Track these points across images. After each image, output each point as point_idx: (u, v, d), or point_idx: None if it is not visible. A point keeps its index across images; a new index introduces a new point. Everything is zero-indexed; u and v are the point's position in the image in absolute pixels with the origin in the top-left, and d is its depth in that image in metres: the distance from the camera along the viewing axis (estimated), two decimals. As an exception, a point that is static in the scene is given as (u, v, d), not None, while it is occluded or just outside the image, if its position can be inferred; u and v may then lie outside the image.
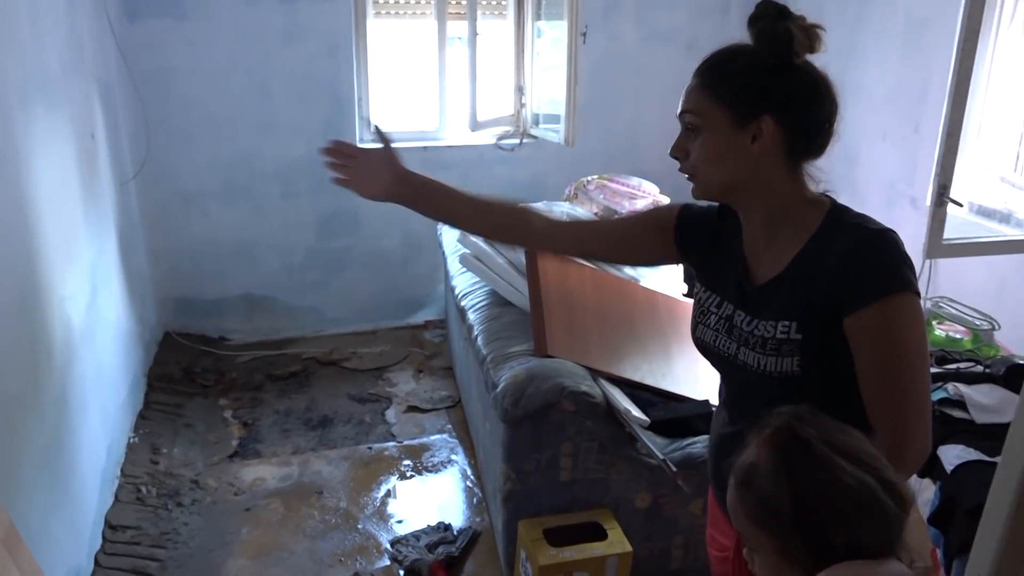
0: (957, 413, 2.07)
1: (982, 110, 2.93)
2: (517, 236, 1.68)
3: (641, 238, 1.53)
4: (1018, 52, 2.87)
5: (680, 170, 1.34)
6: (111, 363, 3.02)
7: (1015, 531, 0.55)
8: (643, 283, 2.90)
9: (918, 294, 1.20)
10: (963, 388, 2.11)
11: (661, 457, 2.18)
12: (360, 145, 1.55)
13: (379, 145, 1.53)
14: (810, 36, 1.22)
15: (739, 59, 1.26)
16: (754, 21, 1.24)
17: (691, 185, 1.34)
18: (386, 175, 1.50)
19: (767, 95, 1.23)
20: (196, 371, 3.80)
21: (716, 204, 1.43)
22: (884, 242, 1.21)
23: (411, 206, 1.54)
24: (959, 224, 2.76)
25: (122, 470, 2.97)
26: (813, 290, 1.23)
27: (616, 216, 1.57)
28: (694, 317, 1.43)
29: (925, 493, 2.11)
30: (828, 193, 1.32)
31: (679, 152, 1.32)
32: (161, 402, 3.51)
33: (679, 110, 1.31)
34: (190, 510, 2.86)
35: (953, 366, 2.25)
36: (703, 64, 1.30)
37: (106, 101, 3.25)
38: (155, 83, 3.73)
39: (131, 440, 3.17)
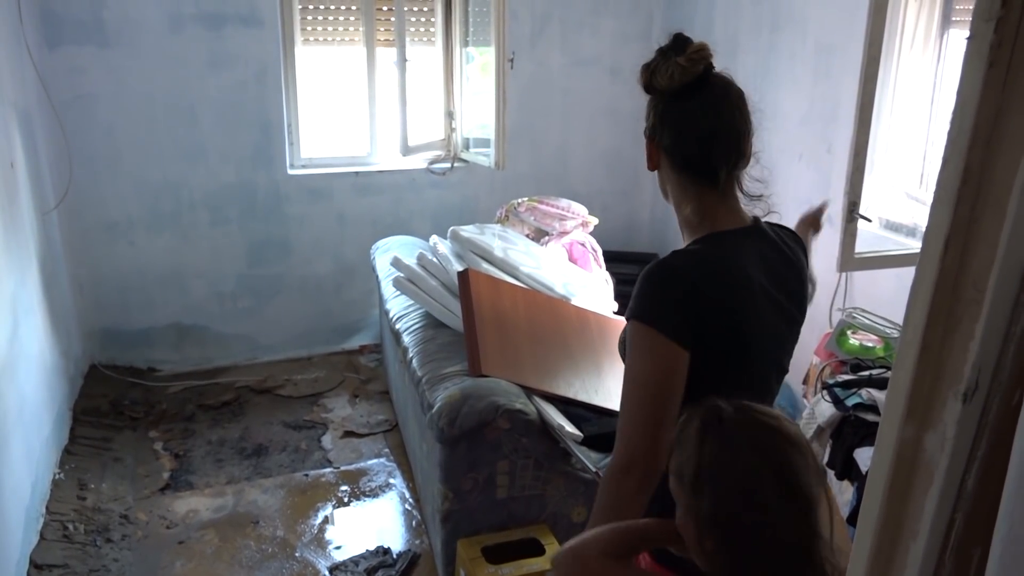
0: (871, 417, 2.18)
1: (889, 130, 3.09)
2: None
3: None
4: (921, 75, 3.05)
5: None
6: (34, 398, 2.93)
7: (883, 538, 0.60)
8: (574, 302, 2.97)
9: (650, 325, 1.26)
10: (876, 393, 2.22)
11: (594, 470, 2.23)
12: None
13: None
14: (677, 68, 1.31)
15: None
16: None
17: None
18: None
19: (648, 123, 1.40)
20: (124, 403, 3.71)
21: None
22: (645, 273, 1.32)
23: None
24: (870, 238, 2.91)
25: (47, 507, 2.88)
26: None
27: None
28: None
29: (845, 494, 2.20)
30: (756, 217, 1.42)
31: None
32: (88, 436, 3.41)
33: None
34: (120, 545, 2.79)
35: (867, 373, 2.37)
36: None
37: (25, 129, 3.18)
38: (77, 111, 3.66)
39: (56, 476, 3.07)
